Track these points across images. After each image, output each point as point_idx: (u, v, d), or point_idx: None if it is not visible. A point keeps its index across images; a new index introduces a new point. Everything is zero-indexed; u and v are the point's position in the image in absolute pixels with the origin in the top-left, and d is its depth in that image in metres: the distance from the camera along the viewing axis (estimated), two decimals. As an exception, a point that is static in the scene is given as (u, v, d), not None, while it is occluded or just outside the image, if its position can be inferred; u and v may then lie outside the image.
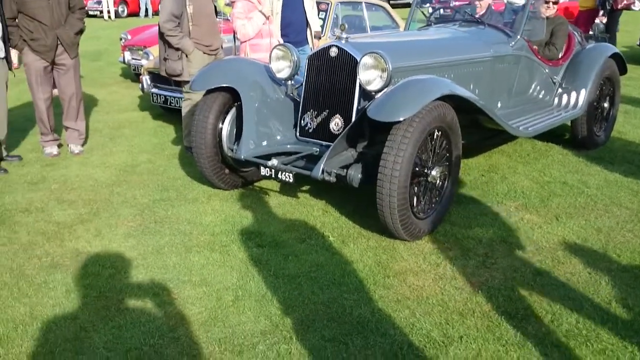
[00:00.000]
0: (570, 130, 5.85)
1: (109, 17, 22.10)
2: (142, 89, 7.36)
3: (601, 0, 9.26)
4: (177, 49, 5.45)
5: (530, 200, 4.60)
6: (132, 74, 10.05)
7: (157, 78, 7.11)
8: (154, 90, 7.04)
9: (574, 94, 5.54)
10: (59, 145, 6.05)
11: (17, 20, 5.49)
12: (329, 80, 4.33)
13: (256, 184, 5.02)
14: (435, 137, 3.94)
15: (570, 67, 5.70)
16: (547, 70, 5.55)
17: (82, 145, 6.13)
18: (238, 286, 3.45)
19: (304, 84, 4.47)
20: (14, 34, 5.50)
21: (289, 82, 4.62)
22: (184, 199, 4.75)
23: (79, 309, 3.24)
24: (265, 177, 4.81)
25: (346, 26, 4.30)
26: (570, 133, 5.89)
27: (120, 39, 9.99)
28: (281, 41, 5.85)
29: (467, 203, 4.57)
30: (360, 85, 4.14)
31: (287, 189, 4.90)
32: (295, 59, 4.52)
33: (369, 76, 4.05)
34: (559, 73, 5.68)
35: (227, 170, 4.73)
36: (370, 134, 4.19)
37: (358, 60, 4.09)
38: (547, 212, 4.39)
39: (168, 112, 7.44)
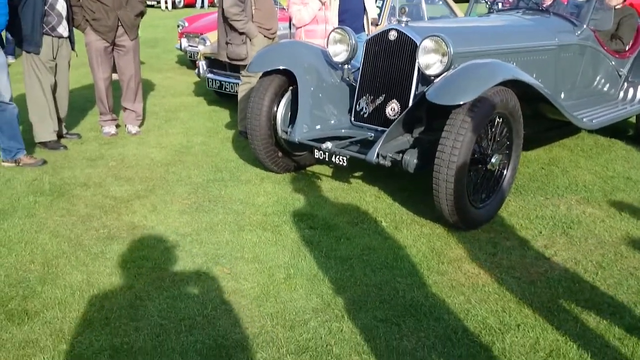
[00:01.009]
0: (635, 126, 5.62)
1: (166, 7, 22.48)
2: (198, 74, 7.44)
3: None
4: (241, 34, 5.47)
5: (592, 194, 4.44)
6: (187, 61, 10.19)
7: (213, 63, 7.18)
8: (210, 75, 7.11)
9: (640, 88, 5.33)
10: (117, 126, 6.17)
11: (80, 1, 5.62)
12: (386, 65, 4.27)
13: (308, 168, 5.01)
14: (496, 123, 3.84)
15: (637, 60, 5.48)
16: (613, 63, 5.34)
17: (139, 126, 6.23)
18: (290, 264, 3.44)
19: (360, 68, 4.42)
20: (77, 14, 5.63)
21: (346, 66, 4.58)
22: (237, 180, 4.78)
23: (134, 279, 3.28)
24: (318, 161, 4.81)
25: (407, 9, 4.24)
26: (635, 129, 5.66)
27: (178, 26, 10.14)
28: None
29: (526, 194, 4.44)
30: (419, 70, 4.07)
31: (340, 175, 4.86)
32: (353, 42, 4.47)
33: (429, 60, 3.97)
34: (625, 66, 5.46)
35: (280, 154, 4.73)
36: (428, 120, 4.11)
37: (418, 44, 4.01)
38: (610, 207, 4.23)
39: (222, 98, 7.50)
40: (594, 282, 3.25)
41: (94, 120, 6.43)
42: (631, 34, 5.48)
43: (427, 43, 3.94)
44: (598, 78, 5.29)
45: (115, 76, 6.20)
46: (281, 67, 4.51)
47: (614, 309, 3.00)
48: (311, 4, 5.79)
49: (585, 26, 4.97)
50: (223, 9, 5.44)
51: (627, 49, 5.49)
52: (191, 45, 9.42)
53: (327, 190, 4.55)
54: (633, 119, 5.80)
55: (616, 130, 5.96)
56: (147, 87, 8.28)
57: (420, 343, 2.73)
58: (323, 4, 5.85)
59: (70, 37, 5.63)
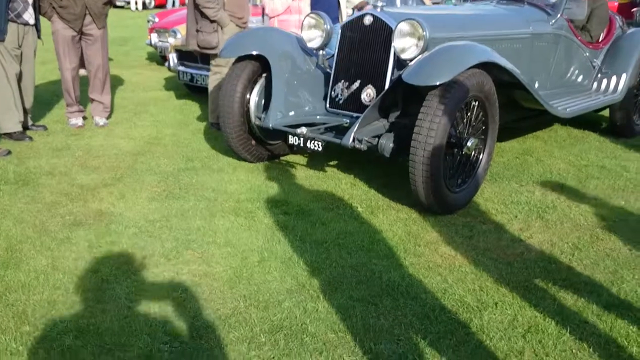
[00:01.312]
0: (608, 117, 5.66)
1: (137, 8, 22.22)
2: (169, 66, 7.31)
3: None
4: (212, 22, 5.37)
5: (567, 181, 4.44)
6: (157, 57, 10.03)
7: (184, 56, 7.06)
8: (181, 67, 6.98)
9: (613, 79, 5.36)
10: (84, 118, 6.01)
11: (48, -12, 5.46)
12: (362, 50, 4.22)
13: (283, 158, 4.92)
14: (471, 107, 3.81)
15: (610, 51, 5.52)
16: (587, 54, 5.37)
17: (107, 118, 6.08)
18: (264, 248, 3.34)
19: (335, 54, 4.36)
20: (44, 2, 5.47)
21: (321, 52, 4.52)
22: (208, 169, 4.66)
23: (101, 263, 3.15)
24: (292, 149, 4.75)
25: (382, -6, 4.19)
26: (608, 121, 5.71)
27: (148, 22, 9.99)
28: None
29: (501, 182, 4.42)
30: (394, 55, 4.03)
31: (315, 163, 4.79)
32: (328, 28, 4.41)
33: (404, 44, 3.93)
34: (599, 56, 5.50)
35: (253, 142, 4.64)
36: (403, 105, 4.06)
37: (393, 29, 3.97)
38: (584, 193, 4.22)
39: (193, 92, 7.37)
40: (570, 263, 3.22)
41: (60, 113, 6.26)
42: (604, 24, 5.52)
43: (403, 26, 3.90)
44: (572, 69, 5.31)
45: (83, 72, 6.06)
46: (254, 53, 4.42)
47: (591, 287, 2.97)
48: (284, -7, 5.73)
49: (559, 15, 4.99)
50: (194, -3, 5.33)
51: (600, 39, 5.53)
52: (162, 41, 9.24)
53: (301, 178, 4.47)
54: (606, 113, 5.83)
55: (589, 123, 6.01)
56: (116, 83, 8.10)
57: (397, 321, 2.66)
58: (296, -6, 5.80)
59: (37, 25, 5.46)
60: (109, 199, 4.03)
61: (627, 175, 4.58)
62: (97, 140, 5.42)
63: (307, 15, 4.52)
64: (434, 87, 3.53)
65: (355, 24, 4.25)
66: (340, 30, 4.33)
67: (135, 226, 3.61)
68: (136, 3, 22.48)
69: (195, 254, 3.29)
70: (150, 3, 22.96)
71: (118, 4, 23.42)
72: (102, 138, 5.49)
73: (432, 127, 3.46)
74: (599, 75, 5.48)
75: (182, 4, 22.50)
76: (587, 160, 4.95)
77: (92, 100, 5.98)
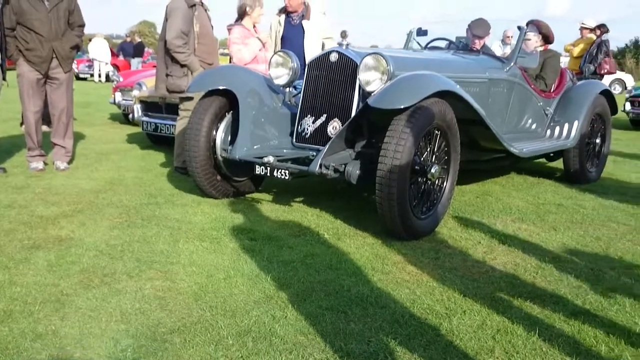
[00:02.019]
0: (563, 165, 5.87)
1: (100, 80, 22.39)
2: (132, 118, 7.34)
3: (585, 63, 9.59)
4: (182, 66, 5.46)
5: (526, 216, 4.55)
6: (120, 117, 10.06)
7: (148, 107, 7.12)
8: (145, 118, 7.02)
9: (566, 126, 5.60)
10: (45, 163, 5.92)
11: (15, 31, 5.50)
12: (328, 85, 4.34)
13: (248, 195, 4.91)
14: (434, 136, 3.93)
15: (562, 101, 5.80)
16: (540, 102, 5.63)
17: (69, 163, 6.00)
18: (230, 267, 3.29)
19: (302, 89, 4.47)
20: (10, 45, 5.50)
21: (287, 89, 4.63)
22: (172, 204, 4.62)
23: (61, 279, 3.06)
24: (259, 184, 4.77)
25: (347, 33, 4.36)
26: (563, 168, 5.91)
27: (113, 82, 10.06)
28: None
29: (463, 215, 4.50)
30: (359, 88, 4.16)
31: (281, 198, 4.80)
32: (295, 66, 4.54)
33: (369, 77, 4.06)
34: (551, 105, 5.77)
35: (219, 177, 4.63)
36: (369, 135, 4.16)
37: (358, 64, 4.11)
38: (544, 225, 4.32)
39: (157, 144, 7.39)
40: (534, 279, 3.26)
41: (21, 160, 6.16)
42: (555, 74, 5.82)
43: (368, 60, 4.05)
44: (526, 115, 5.54)
45: (45, 128, 6.04)
46: (222, 88, 4.49)
47: (556, 299, 3.00)
48: (252, 43, 5.88)
49: (512, 64, 5.25)
50: (165, 41, 5.44)
51: (552, 89, 5.82)
52: (125, 99, 9.32)
53: (267, 211, 4.46)
54: (560, 164, 6.04)
55: (544, 172, 6.23)
56: (78, 137, 8.04)
57: (367, 326, 2.63)
58: (263, 44, 5.97)
59: (2, 66, 5.47)
60: (69, 227, 3.94)
61: (584, 211, 4.72)
62: (57, 180, 5.33)
63: (275, 53, 4.66)
64: (399, 112, 3.64)
65: (321, 61, 4.39)
66: (307, 67, 4.46)
67: (96, 249, 3.52)
68: (99, 75, 22.66)
69: (159, 272, 3.21)
70: (113, 74, 23.15)
71: (81, 75, 23.65)
72: (63, 179, 5.40)
73: (397, 149, 3.54)
74: (552, 123, 5.73)
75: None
76: (545, 199, 5.09)
77: (54, 144, 5.93)
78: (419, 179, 3.90)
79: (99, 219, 4.14)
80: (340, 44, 4.35)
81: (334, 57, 4.32)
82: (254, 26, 6.00)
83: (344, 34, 4.37)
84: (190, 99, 5.44)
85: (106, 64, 22.72)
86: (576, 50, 10.25)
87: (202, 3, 5.61)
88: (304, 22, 6.04)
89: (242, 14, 5.95)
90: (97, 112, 11.48)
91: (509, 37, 10.14)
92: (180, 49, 5.38)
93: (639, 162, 7.29)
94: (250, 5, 5.83)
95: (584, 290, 3.10)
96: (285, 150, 4.46)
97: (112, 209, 4.40)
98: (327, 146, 3.94)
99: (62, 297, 2.84)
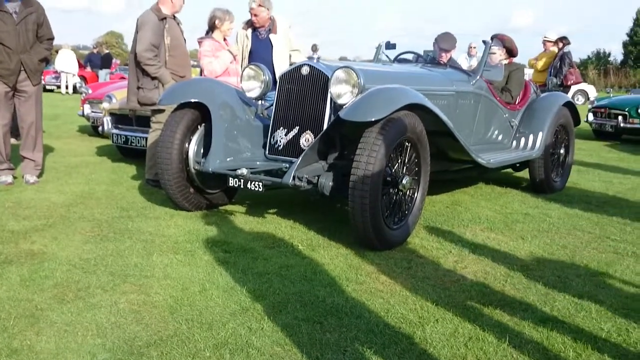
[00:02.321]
0: (529, 174, 6.02)
1: (67, 92, 22.09)
2: (102, 131, 7.29)
3: (551, 76, 9.85)
4: (153, 79, 5.46)
5: (495, 225, 4.66)
6: (89, 129, 9.96)
7: (118, 119, 7.09)
8: (115, 130, 6.98)
9: (531, 137, 5.76)
10: (14, 177, 5.84)
11: (-18, 43, 5.44)
12: (300, 98, 4.40)
13: (221, 207, 4.93)
14: (405, 148, 4.01)
15: (527, 113, 5.96)
16: (506, 114, 5.78)
17: (38, 177, 5.93)
18: (205, 280, 3.31)
19: (274, 102, 4.52)
20: (-23, 57, 5.43)
21: (260, 102, 4.67)
22: (144, 217, 4.61)
23: (35, 293, 3.03)
24: (232, 196, 4.80)
25: (318, 47, 4.43)
26: (529, 178, 6.06)
27: (81, 94, 9.96)
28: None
29: (434, 225, 4.59)
30: (331, 101, 4.22)
31: (254, 210, 4.83)
32: (267, 78, 4.59)
33: (340, 90, 4.13)
34: (516, 117, 5.92)
35: (192, 190, 4.64)
36: (341, 147, 4.22)
37: (329, 77, 4.18)
38: (512, 233, 4.44)
39: (127, 157, 7.35)
40: (503, 287, 3.35)
41: (-13, 173, 6.06)
42: (520, 87, 5.98)
43: (339, 74, 4.12)
44: (493, 127, 5.68)
45: (14, 141, 5.96)
46: (194, 101, 4.51)
47: (525, 306, 3.09)
48: (222, 56, 5.93)
49: (479, 77, 5.39)
50: (135, 54, 5.44)
51: (517, 101, 5.98)
52: (94, 111, 9.23)
53: (241, 223, 4.48)
54: (526, 174, 6.19)
55: (511, 182, 6.38)
56: (46, 150, 7.90)
57: (343, 336, 2.67)
58: (234, 56, 6.01)
59: (-30, 80, 5.40)
60: (42, 241, 3.90)
61: (550, 220, 4.86)
62: (27, 194, 5.27)
63: (247, 66, 4.70)
64: (370, 124, 3.72)
65: (292, 74, 4.45)
66: (279, 80, 4.51)
67: (70, 264, 3.50)
68: (66, 87, 22.36)
69: (133, 286, 3.21)
70: (80, 85, 22.87)
71: (48, 87, 23.29)
72: (33, 193, 5.34)
73: (369, 161, 3.61)
74: (517, 134, 5.88)
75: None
76: (512, 209, 5.22)
77: (24, 157, 5.85)
78: (391, 190, 3.98)
79: (71, 233, 4.11)
80: (311, 58, 4.42)
81: (305, 70, 4.38)
82: (225, 39, 6.05)
83: (314, 48, 4.43)
84: (162, 111, 5.44)
85: (73, 75, 22.44)
86: (540, 64, 10.52)
87: (174, 16, 5.62)
88: (272, 36, 6.12)
89: (212, 27, 6.00)
90: (65, 125, 11.35)
91: (473, 48, 10.37)
92: (150, 62, 5.38)
93: (602, 171, 7.52)
94: (220, 18, 5.88)
95: (551, 298, 3.20)
96: (258, 163, 4.49)
97: (84, 223, 4.38)
98: (300, 158, 3.99)
99: (36, 312, 2.83)
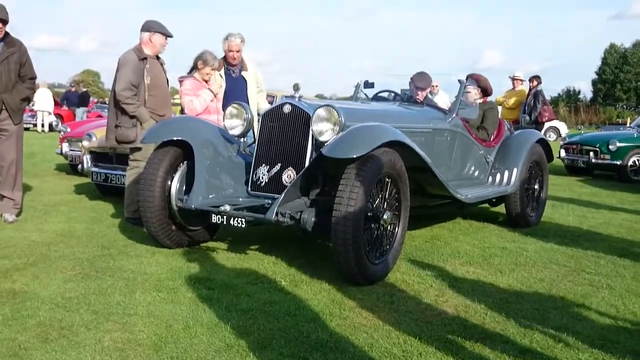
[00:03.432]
0: (505, 209, 6.14)
1: (43, 130, 21.98)
2: (81, 169, 7.29)
3: (524, 113, 10.13)
4: (132, 117, 5.51)
5: (473, 259, 4.74)
6: (67, 167, 9.91)
7: (98, 157, 7.10)
8: (94, 169, 6.98)
9: (506, 173, 5.91)
10: (-8, 215, 5.81)
11: (-37, 83, 5.46)
12: (282, 136, 4.48)
13: (203, 244, 4.94)
14: (385, 183, 4.10)
15: (501, 149, 6.13)
16: (481, 151, 5.93)
17: (17, 215, 5.90)
18: (189, 317, 3.32)
19: (257, 140, 4.60)
20: (-41, 96, 5.44)
21: (242, 139, 4.75)
22: (126, 255, 4.60)
23: (18, 333, 3.02)
24: (213, 233, 4.82)
25: (299, 86, 4.54)
26: (505, 213, 6.19)
27: (59, 132, 9.94)
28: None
29: (414, 260, 4.66)
30: (312, 138, 4.31)
31: (236, 247, 4.85)
32: (249, 117, 4.68)
33: (322, 127, 4.23)
34: (492, 153, 6.08)
35: (174, 227, 4.66)
36: (323, 184, 4.29)
37: (311, 115, 4.28)
38: (490, 267, 4.52)
39: (106, 195, 7.33)
40: (484, 320, 3.41)
41: (-35, 212, 6.00)
42: (494, 124, 6.16)
43: (320, 112, 4.23)
44: (469, 163, 5.82)
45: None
46: (176, 139, 4.57)
47: (505, 338, 3.15)
48: (203, 94, 6.01)
49: (454, 115, 5.55)
50: (114, 92, 5.50)
51: (492, 138, 6.15)
52: (73, 150, 9.20)
53: (223, 259, 4.50)
54: (502, 209, 6.33)
55: (488, 217, 6.51)
56: (25, 189, 7.79)
57: (328, 370, 2.70)
58: (215, 95, 6.10)
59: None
60: (23, 280, 3.88)
61: (527, 254, 4.96)
62: (6, 233, 5.23)
63: (230, 105, 4.79)
64: (352, 161, 3.80)
65: (274, 112, 4.54)
66: (261, 118, 4.60)
67: (52, 302, 3.49)
68: (42, 125, 22.24)
69: (117, 324, 3.21)
70: (57, 125, 22.77)
71: (24, 125, 23.10)
72: (12, 231, 5.30)
73: (351, 197, 3.69)
74: (493, 170, 6.03)
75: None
76: (490, 243, 5.33)
77: (3, 196, 5.82)
78: (372, 225, 4.05)
79: (52, 272, 4.09)
80: (292, 97, 4.53)
81: (287, 108, 4.48)
82: (206, 81, 6.14)
83: (296, 87, 4.54)
84: (140, 149, 5.50)
85: (49, 113, 22.35)
86: (510, 102, 10.80)
87: (157, 57, 5.71)
88: (244, 73, 6.26)
89: (195, 66, 6.09)
90: (43, 163, 11.27)
91: (435, 87, 10.53)
92: (128, 100, 5.45)
93: (576, 206, 7.70)
94: (204, 61, 5.95)
95: (530, 330, 3.27)
96: (240, 199, 4.54)
97: (65, 262, 4.36)
98: (283, 194, 4.05)
99: (20, 351, 2.81)
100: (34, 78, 5.92)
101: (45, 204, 6.84)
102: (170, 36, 5.73)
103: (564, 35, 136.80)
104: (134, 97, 5.48)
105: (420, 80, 5.84)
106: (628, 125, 16.02)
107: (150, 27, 5.64)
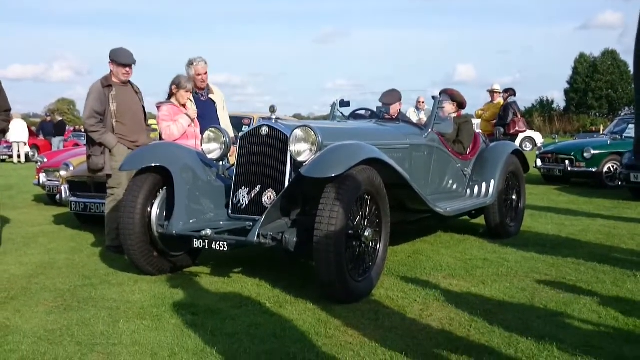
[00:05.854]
0: (485, 220, 6.21)
1: (19, 161, 21.73)
2: (60, 199, 7.23)
3: (497, 126, 10.28)
4: (100, 145, 5.52)
5: (456, 271, 4.78)
6: (45, 198, 9.81)
7: (76, 187, 7.05)
8: (73, 198, 6.93)
9: (484, 185, 5.99)
10: (-31, 250, 5.73)
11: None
12: (260, 157, 4.50)
13: (186, 270, 4.92)
14: (365, 201, 4.13)
15: (478, 162, 6.21)
16: (458, 164, 6.01)
17: (-5, 249, 5.83)
18: (174, 344, 3.29)
19: (235, 162, 4.61)
20: None
21: (220, 163, 4.76)
22: (107, 284, 4.57)
23: (-1, 368, 2.97)
24: (195, 258, 4.81)
25: (276, 108, 4.58)
26: (485, 224, 6.25)
27: (36, 162, 9.85)
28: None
29: (397, 275, 4.68)
30: (291, 159, 4.34)
31: (219, 271, 4.84)
32: (227, 140, 4.70)
33: (300, 148, 4.27)
34: (469, 166, 6.15)
35: (155, 253, 4.64)
36: (303, 204, 4.32)
37: (288, 136, 4.32)
38: (473, 279, 4.56)
39: (86, 224, 7.27)
40: (468, 332, 3.44)
41: (-59, 247, 5.92)
42: (470, 138, 6.25)
43: (298, 132, 4.26)
44: (447, 177, 5.89)
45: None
46: (154, 165, 4.56)
47: (490, 350, 3.18)
48: (181, 120, 6.01)
49: (430, 130, 5.63)
50: (85, 122, 5.52)
51: (468, 152, 6.23)
52: (50, 180, 9.13)
53: (207, 284, 4.48)
54: (482, 220, 6.39)
55: (468, 229, 6.57)
56: (2, 221, 7.76)
57: (316, 390, 2.70)
58: (192, 120, 6.11)
59: None
60: (4, 314, 3.83)
61: (508, 264, 5.02)
62: (-16, 268, 5.16)
63: (207, 129, 4.81)
64: (331, 180, 3.83)
65: (252, 135, 4.57)
66: (239, 141, 4.62)
67: (35, 336, 3.44)
68: (19, 157, 21.99)
69: (102, 355, 3.18)
70: (33, 155, 22.53)
71: (0, 157, 22.86)
72: (-10, 266, 5.23)
73: (332, 215, 3.71)
74: (471, 182, 6.11)
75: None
76: (471, 255, 5.38)
77: (-21, 230, 5.76)
78: (354, 243, 4.07)
79: (34, 305, 4.04)
80: (269, 118, 4.56)
81: (264, 130, 4.51)
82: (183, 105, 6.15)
83: (272, 109, 4.58)
84: (111, 176, 5.51)
85: (25, 144, 22.13)
86: (487, 114, 10.96)
87: (131, 83, 5.72)
88: (211, 96, 6.31)
89: (170, 92, 6.10)
90: (20, 194, 11.15)
91: (422, 102, 10.69)
92: (93, 128, 5.49)
93: (554, 214, 7.80)
94: (176, 85, 5.96)
95: (515, 340, 3.30)
96: (222, 222, 4.54)
97: (47, 294, 4.31)
98: (264, 216, 4.06)
99: (2, 387, 2.77)
100: (8, 110, 5.89)
101: (24, 236, 6.76)
102: (128, 65, 5.69)
103: (534, 47, 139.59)
104: (99, 125, 5.50)
105: (387, 96, 5.94)
106: (601, 132, 16.33)
107: (110, 56, 5.67)
